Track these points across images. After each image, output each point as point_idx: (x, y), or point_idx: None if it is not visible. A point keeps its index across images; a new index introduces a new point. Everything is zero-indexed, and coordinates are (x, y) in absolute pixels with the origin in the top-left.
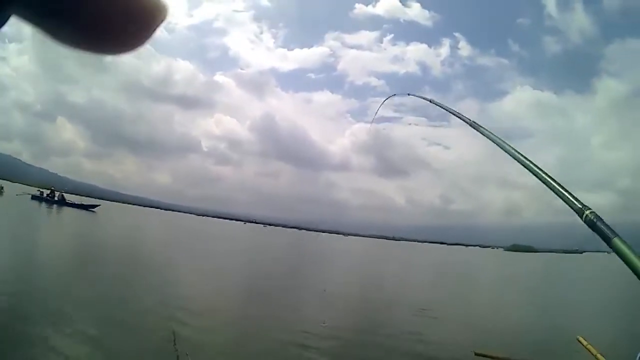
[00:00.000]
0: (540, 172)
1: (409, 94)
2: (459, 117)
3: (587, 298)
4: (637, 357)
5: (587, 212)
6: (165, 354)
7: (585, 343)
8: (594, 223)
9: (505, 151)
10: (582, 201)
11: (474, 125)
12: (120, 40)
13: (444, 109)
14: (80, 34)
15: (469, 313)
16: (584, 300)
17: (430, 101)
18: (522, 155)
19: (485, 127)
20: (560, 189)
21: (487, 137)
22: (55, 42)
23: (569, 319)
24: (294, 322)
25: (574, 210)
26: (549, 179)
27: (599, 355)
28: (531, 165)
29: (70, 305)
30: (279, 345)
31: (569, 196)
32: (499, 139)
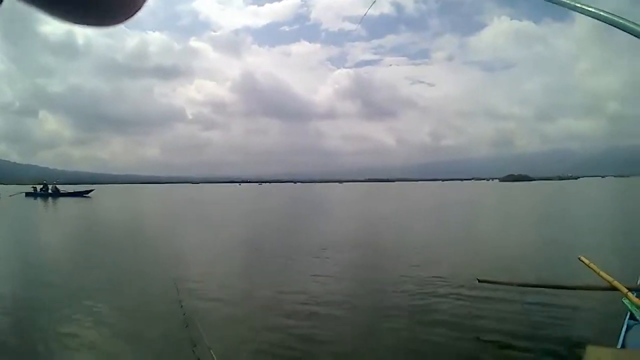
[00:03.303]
0: (597, 10)
1: None
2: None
3: (585, 220)
4: None
5: None
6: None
7: (587, 262)
8: None
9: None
10: None
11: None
12: (115, 8)
13: None
14: (74, 6)
15: (470, 243)
16: (582, 222)
17: None
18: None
19: None
20: (622, 20)
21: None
22: (50, 17)
23: (569, 241)
24: (298, 276)
25: None
26: (611, 15)
27: (601, 273)
28: (580, 5)
29: (80, 289)
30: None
31: (634, 26)
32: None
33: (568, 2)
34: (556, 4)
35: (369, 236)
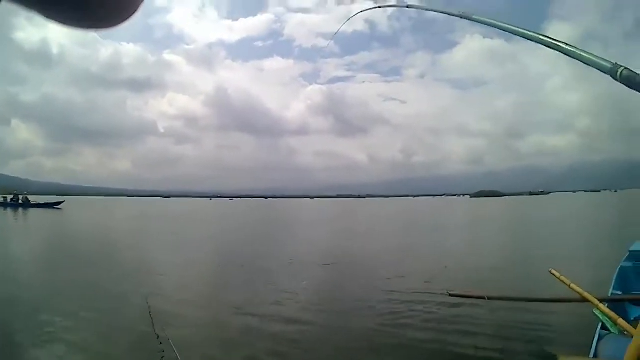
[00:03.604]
0: (555, 42)
1: (379, 7)
2: (443, 13)
3: (556, 234)
4: (618, 269)
5: (621, 69)
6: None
7: (558, 275)
8: (633, 78)
9: (511, 32)
10: (609, 60)
11: (465, 16)
12: (112, 10)
13: (425, 9)
14: (71, 8)
15: (440, 257)
16: (553, 236)
17: (407, 6)
18: (530, 31)
19: (479, 16)
20: (583, 53)
21: (484, 24)
22: (46, 20)
23: (540, 254)
24: (267, 290)
25: (606, 72)
26: (567, 46)
27: (572, 285)
28: (544, 37)
29: (47, 302)
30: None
31: (594, 58)
32: (500, 22)
33: (534, 35)
34: (523, 37)
35: (339, 251)
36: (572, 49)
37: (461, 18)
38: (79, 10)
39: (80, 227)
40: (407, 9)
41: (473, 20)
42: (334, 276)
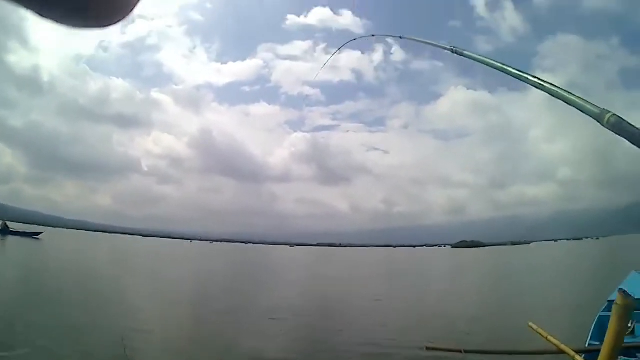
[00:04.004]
0: (546, 84)
1: (373, 35)
2: (436, 46)
3: (535, 285)
4: (597, 318)
5: (608, 115)
6: None
7: (535, 327)
8: (619, 124)
9: (502, 71)
10: (597, 105)
11: (456, 51)
12: (108, 9)
13: (417, 41)
14: (68, 6)
15: (418, 309)
16: (532, 287)
17: (400, 37)
18: (521, 71)
19: (469, 51)
20: (572, 97)
21: (475, 60)
22: (42, 19)
23: (519, 306)
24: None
25: (593, 117)
26: (557, 89)
27: (549, 337)
28: (535, 80)
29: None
30: None
31: (583, 102)
32: (489, 59)
33: (524, 75)
34: (513, 77)
35: (317, 301)
36: (561, 92)
37: (452, 52)
38: (74, 8)
39: (60, 262)
40: (400, 38)
41: (464, 56)
42: (310, 330)
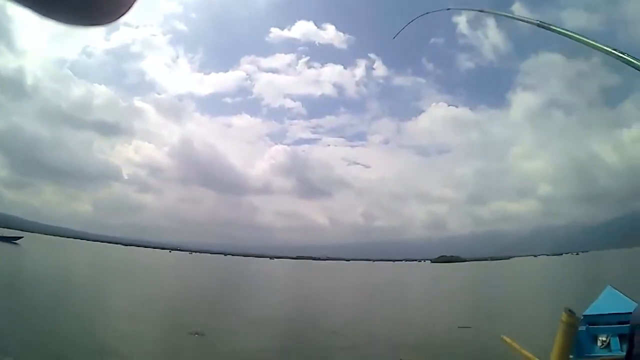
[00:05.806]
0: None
1: (448, 9)
2: (521, 20)
3: (511, 299)
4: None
5: None
6: None
7: (509, 341)
8: None
9: (589, 45)
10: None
11: (543, 25)
12: (106, 8)
13: (500, 14)
14: (66, 4)
15: (393, 324)
16: (508, 301)
17: (480, 11)
18: (606, 45)
19: (555, 25)
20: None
21: (562, 35)
22: (40, 16)
23: (493, 320)
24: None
25: None
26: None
27: (523, 351)
28: (620, 54)
29: None
30: None
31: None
32: (575, 33)
33: (609, 50)
34: (599, 50)
35: (293, 315)
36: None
37: (538, 26)
38: (72, 7)
39: (39, 268)
40: (480, 11)
41: (551, 30)
42: (288, 341)
